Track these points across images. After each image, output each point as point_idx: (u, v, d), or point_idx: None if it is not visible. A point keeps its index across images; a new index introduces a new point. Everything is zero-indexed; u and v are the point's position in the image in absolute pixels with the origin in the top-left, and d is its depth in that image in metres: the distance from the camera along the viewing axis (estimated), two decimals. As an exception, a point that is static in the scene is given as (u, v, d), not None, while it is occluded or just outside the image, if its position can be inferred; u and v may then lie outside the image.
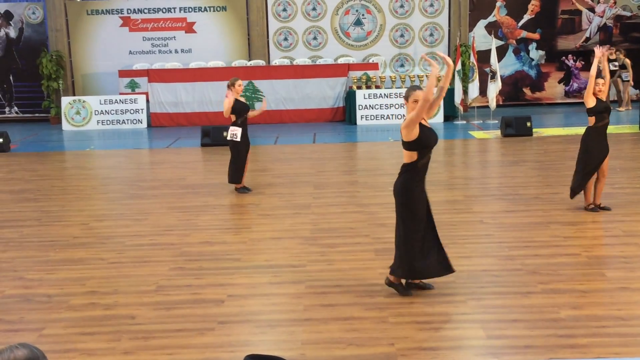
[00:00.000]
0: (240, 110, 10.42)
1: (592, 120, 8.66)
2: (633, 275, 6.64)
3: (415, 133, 5.90)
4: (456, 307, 5.99)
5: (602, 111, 8.59)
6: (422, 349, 5.20)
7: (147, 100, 18.54)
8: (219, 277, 6.89)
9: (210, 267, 7.20)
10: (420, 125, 5.95)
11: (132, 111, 18.48)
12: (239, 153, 10.44)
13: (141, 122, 18.49)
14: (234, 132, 10.38)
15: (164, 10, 20.12)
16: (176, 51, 20.22)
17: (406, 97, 6.06)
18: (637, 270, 6.76)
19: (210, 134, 15.32)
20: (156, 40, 20.20)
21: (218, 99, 18.36)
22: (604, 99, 8.63)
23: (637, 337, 5.27)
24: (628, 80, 18.67)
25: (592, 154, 8.63)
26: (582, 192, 8.86)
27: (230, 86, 10.44)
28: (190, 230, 8.65)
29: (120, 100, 18.54)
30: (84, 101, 18.59)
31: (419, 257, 6.09)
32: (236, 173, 10.51)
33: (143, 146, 16.11)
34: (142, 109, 18.49)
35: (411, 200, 6.05)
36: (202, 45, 20.10)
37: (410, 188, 6.04)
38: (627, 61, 18.60)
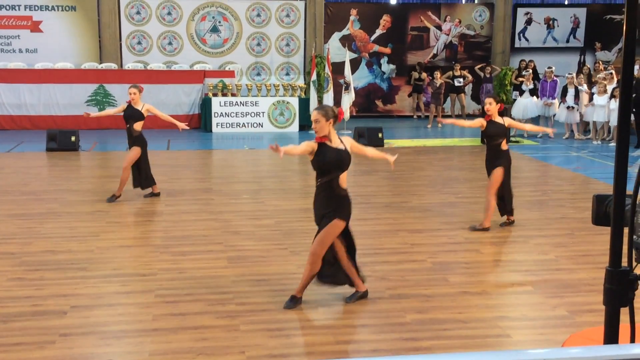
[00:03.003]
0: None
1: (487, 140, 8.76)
2: (473, 280, 6.99)
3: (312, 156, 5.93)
4: (307, 313, 6.04)
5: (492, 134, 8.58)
6: (272, 356, 5.20)
7: (-13, 102, 17.42)
8: (62, 288, 6.55)
9: (52, 277, 6.84)
10: (324, 147, 5.90)
11: (-30, 112, 17.29)
12: (144, 157, 10.17)
13: (-20, 125, 17.35)
14: None
15: (8, 8, 19.00)
16: (20, 51, 19.14)
17: (327, 116, 5.89)
18: (477, 275, 7.13)
19: (57, 138, 14.61)
20: (-2, 39, 19.06)
21: (65, 101, 17.62)
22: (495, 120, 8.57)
23: (476, 339, 5.54)
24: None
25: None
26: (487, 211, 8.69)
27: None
28: (32, 238, 8.19)
29: (-44, 100, 17.29)
30: None
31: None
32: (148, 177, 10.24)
33: (-18, 150, 15.10)
34: (-19, 111, 17.35)
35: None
36: (49, 46, 19.16)
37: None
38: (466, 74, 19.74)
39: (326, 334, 5.64)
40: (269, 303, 6.21)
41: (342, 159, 5.97)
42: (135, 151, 10.05)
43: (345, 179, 6.07)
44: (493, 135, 8.55)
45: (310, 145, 5.93)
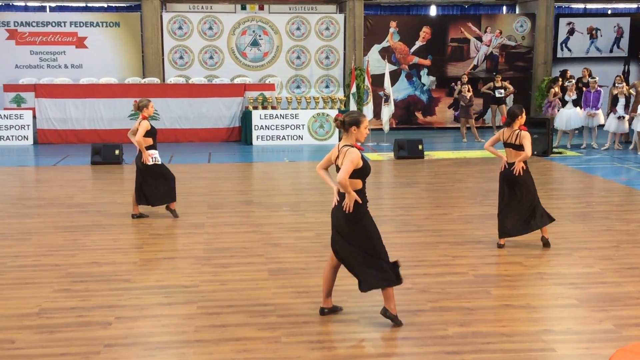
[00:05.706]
0: (154, 132, 9.82)
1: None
2: (516, 292, 6.90)
3: (359, 164, 5.78)
4: (349, 325, 6.02)
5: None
6: (314, 369, 5.20)
7: (34, 116, 17.84)
8: (106, 299, 6.65)
9: (97, 289, 6.95)
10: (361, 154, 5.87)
11: (17, 127, 17.72)
12: (164, 174, 9.89)
13: (27, 139, 17.76)
14: (155, 156, 9.78)
15: (54, 24, 19.49)
16: (66, 66, 19.60)
17: (356, 123, 5.79)
18: (520, 288, 7.04)
19: (101, 151, 14.89)
20: (44, 55, 19.54)
21: (110, 116, 17.96)
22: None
23: (520, 353, 5.46)
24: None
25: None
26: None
27: (144, 108, 9.63)
28: (77, 250, 8.34)
29: (4, 115, 17.73)
30: (-35, 115, 17.68)
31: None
32: (170, 193, 9.97)
33: (28, 163, 15.45)
34: (28, 125, 17.77)
35: (370, 221, 5.95)
36: (93, 61, 19.61)
37: (365, 211, 5.92)
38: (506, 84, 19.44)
39: (367, 347, 5.62)
40: (310, 315, 6.21)
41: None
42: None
43: None
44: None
45: (358, 157, 5.75)
